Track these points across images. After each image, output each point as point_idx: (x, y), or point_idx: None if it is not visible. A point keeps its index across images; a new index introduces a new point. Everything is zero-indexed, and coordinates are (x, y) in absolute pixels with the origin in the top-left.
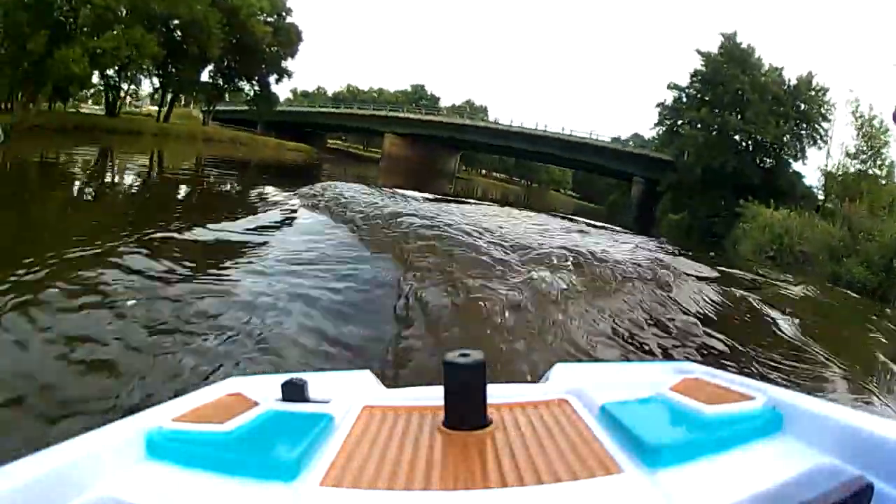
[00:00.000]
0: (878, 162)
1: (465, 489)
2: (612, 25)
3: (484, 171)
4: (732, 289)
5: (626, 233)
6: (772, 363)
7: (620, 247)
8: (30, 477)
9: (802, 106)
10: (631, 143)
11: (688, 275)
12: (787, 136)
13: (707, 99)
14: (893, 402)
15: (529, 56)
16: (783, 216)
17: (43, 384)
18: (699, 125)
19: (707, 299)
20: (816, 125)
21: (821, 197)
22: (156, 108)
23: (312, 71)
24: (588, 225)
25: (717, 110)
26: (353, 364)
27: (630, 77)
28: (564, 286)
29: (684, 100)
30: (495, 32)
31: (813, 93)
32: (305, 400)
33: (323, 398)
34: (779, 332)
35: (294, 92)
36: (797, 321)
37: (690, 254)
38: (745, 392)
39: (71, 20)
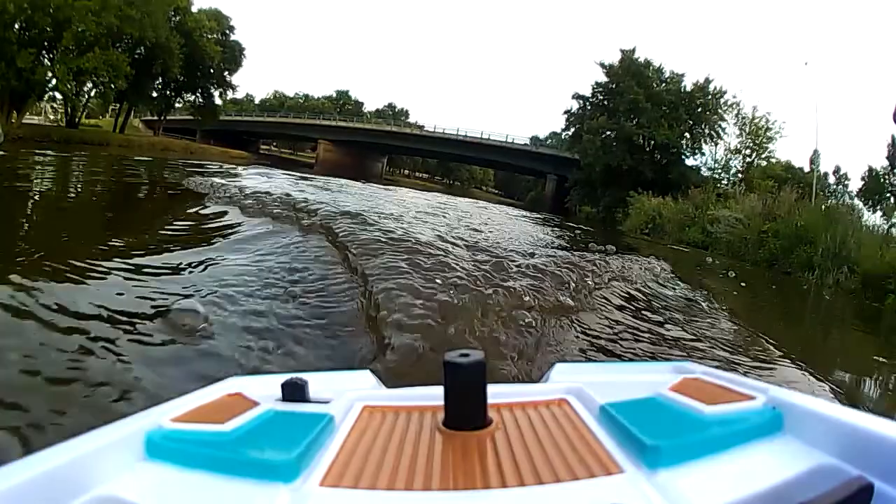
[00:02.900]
0: (764, 154)
1: (465, 489)
2: (533, 30)
3: (407, 172)
4: (594, 243)
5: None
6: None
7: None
8: (28, 477)
9: (699, 109)
10: (549, 140)
11: (572, 236)
12: (685, 136)
13: (607, 106)
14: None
15: (448, 59)
16: (657, 203)
17: None
18: (599, 131)
19: (565, 239)
20: (712, 124)
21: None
22: (109, 118)
23: (239, 78)
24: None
25: (615, 117)
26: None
27: (550, 77)
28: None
29: (588, 108)
30: (415, 36)
31: (709, 96)
32: (305, 400)
33: (323, 398)
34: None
35: (224, 100)
36: (633, 255)
37: (582, 227)
38: (745, 392)
39: (55, 41)
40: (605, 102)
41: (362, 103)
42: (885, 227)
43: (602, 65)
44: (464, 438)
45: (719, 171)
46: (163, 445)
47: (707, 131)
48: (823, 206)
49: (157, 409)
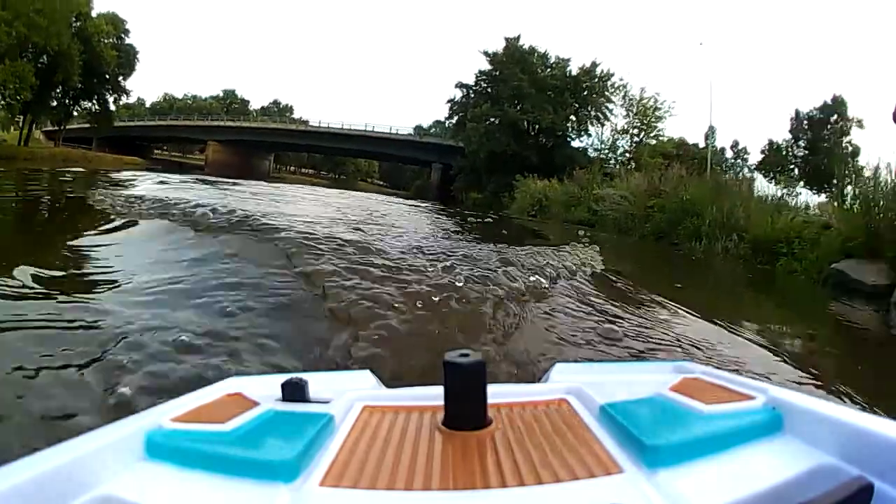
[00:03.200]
0: (653, 133)
1: (465, 489)
2: (416, 22)
3: (293, 168)
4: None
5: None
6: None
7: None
8: (28, 477)
9: (584, 92)
10: (433, 130)
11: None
12: (570, 119)
13: (490, 94)
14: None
15: (332, 52)
16: (543, 186)
17: None
18: (483, 118)
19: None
20: (598, 107)
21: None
22: (14, 132)
23: (131, 82)
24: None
25: (499, 104)
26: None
27: (435, 67)
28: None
29: (471, 96)
30: (298, 30)
31: (596, 80)
32: (305, 400)
33: (323, 398)
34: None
35: (118, 106)
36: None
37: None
38: (744, 392)
39: None
40: (489, 90)
41: (248, 101)
42: (778, 196)
43: (486, 53)
44: (464, 438)
45: (606, 151)
46: (163, 445)
47: (593, 113)
48: (712, 180)
49: (158, 408)
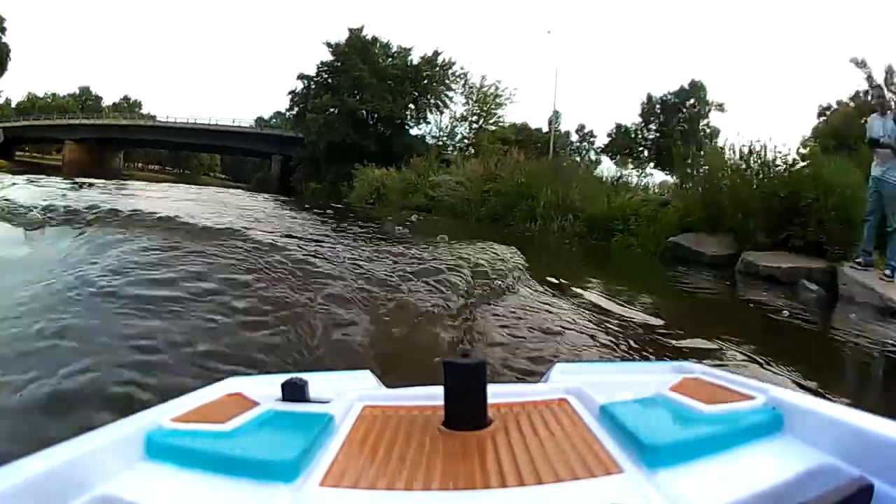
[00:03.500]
0: (492, 120)
1: (465, 489)
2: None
3: (140, 165)
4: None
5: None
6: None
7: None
8: (28, 477)
9: (425, 81)
10: (274, 121)
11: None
12: (409, 108)
13: (331, 85)
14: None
15: (179, 44)
16: (381, 174)
17: None
18: (323, 108)
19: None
20: (438, 95)
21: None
22: None
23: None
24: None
25: (339, 94)
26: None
27: (278, 58)
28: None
29: (312, 87)
30: (146, 22)
31: (437, 68)
32: (305, 400)
33: (323, 398)
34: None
35: None
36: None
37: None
38: (744, 392)
39: None
40: (330, 81)
41: (101, 98)
42: (617, 176)
43: (329, 44)
44: (464, 438)
45: (444, 138)
46: (163, 445)
47: (433, 101)
48: (548, 163)
49: (158, 408)
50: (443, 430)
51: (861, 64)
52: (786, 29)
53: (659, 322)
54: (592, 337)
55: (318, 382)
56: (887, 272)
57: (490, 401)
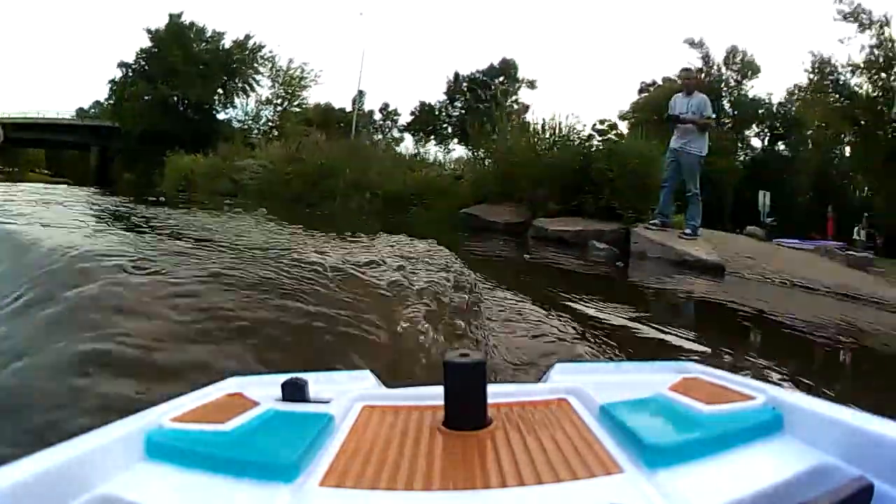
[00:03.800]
0: (296, 102)
1: (465, 489)
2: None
3: None
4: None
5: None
6: None
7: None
8: (28, 477)
9: (234, 64)
10: (93, 111)
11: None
12: (217, 92)
13: (148, 72)
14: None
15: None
16: (190, 160)
17: None
18: (139, 97)
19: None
20: (246, 78)
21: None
22: None
23: None
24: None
25: (154, 82)
26: None
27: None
28: None
29: (130, 74)
30: None
31: (247, 52)
32: (305, 400)
33: (323, 398)
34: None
35: None
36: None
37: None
38: (744, 392)
39: None
40: (147, 68)
41: None
42: (414, 153)
43: (148, 30)
44: (464, 438)
45: (249, 122)
46: (163, 445)
47: (241, 85)
48: (347, 143)
49: (157, 408)
50: (443, 430)
51: (696, 44)
52: (616, 9)
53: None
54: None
55: (318, 382)
56: (687, 231)
57: (490, 401)
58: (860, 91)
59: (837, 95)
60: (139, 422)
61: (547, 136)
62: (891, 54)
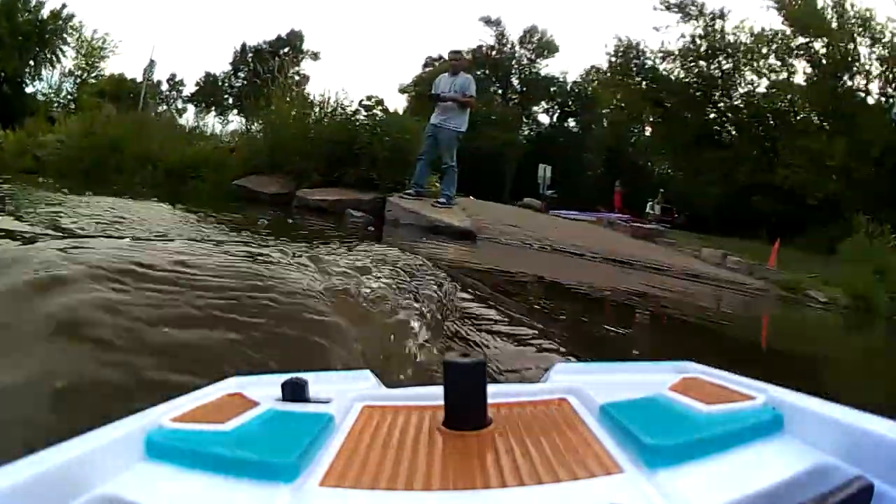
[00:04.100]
0: (94, 73)
1: (465, 489)
2: None
3: None
4: None
5: None
6: None
7: None
8: (28, 477)
9: (47, 35)
10: None
11: None
12: (30, 65)
13: None
14: None
15: None
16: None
17: None
18: None
19: None
20: (54, 48)
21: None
22: None
23: None
24: None
25: None
26: None
27: None
28: None
29: None
30: None
31: (60, 21)
32: (305, 400)
33: (323, 398)
34: None
35: None
36: None
37: None
38: (745, 392)
39: None
40: None
41: None
42: (194, 125)
43: None
44: (464, 438)
45: (52, 95)
46: (163, 445)
47: (49, 56)
48: (133, 116)
49: (157, 408)
50: (442, 430)
51: (493, 22)
52: None
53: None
54: None
55: (318, 382)
56: (441, 200)
57: (490, 401)
58: (671, 77)
59: (640, 78)
60: (139, 422)
61: (317, 110)
62: (716, 45)
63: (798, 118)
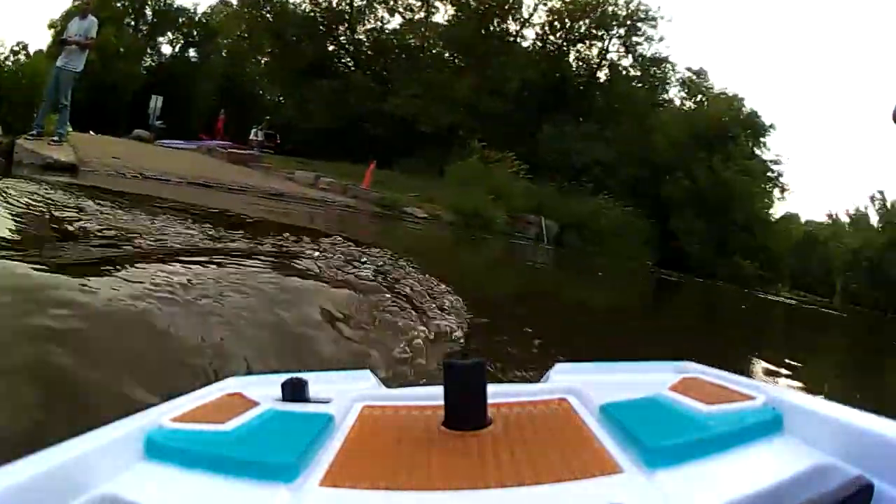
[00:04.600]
0: None
1: (465, 489)
2: None
3: None
4: None
5: None
6: None
7: None
8: (28, 477)
9: None
10: None
11: None
12: None
13: None
14: None
15: None
16: None
17: None
18: None
19: None
20: None
21: None
22: None
23: None
24: None
25: None
26: None
27: None
28: None
29: None
30: None
31: None
32: (305, 400)
33: (323, 398)
34: None
35: None
36: None
37: None
38: (744, 392)
39: None
40: None
41: None
42: None
43: None
44: (464, 438)
45: None
46: (163, 445)
47: None
48: None
49: (157, 408)
50: (442, 430)
51: None
52: None
53: None
54: None
55: (317, 382)
56: (55, 138)
57: (490, 401)
58: (298, 10)
59: (267, 10)
60: (139, 422)
61: None
62: None
63: (428, 54)
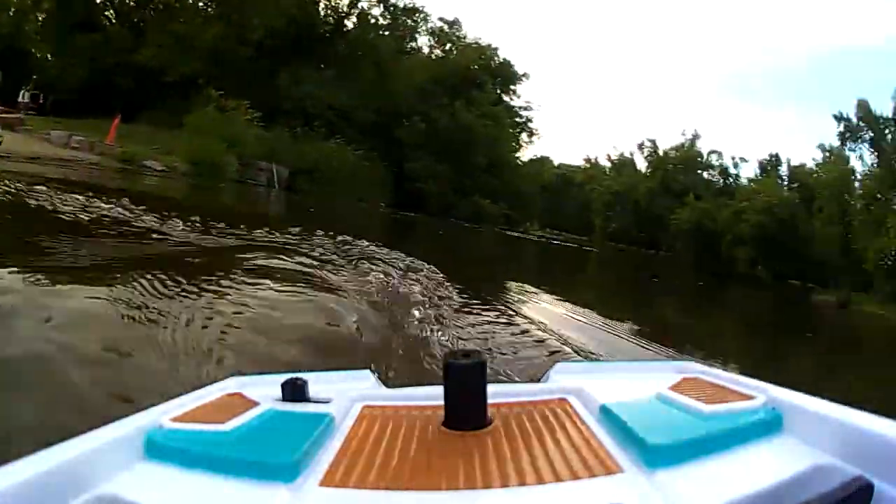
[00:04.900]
0: None
1: (465, 489)
2: None
3: None
4: None
5: None
6: None
7: None
8: (28, 477)
9: None
10: None
11: None
12: None
13: None
14: None
15: None
16: None
17: None
18: None
19: None
20: None
21: None
22: None
23: None
24: None
25: None
26: None
27: None
28: None
29: None
30: None
31: None
32: (305, 400)
33: (323, 398)
34: None
35: None
36: None
37: None
38: (744, 392)
39: None
40: None
41: None
42: None
43: None
44: (464, 438)
45: None
46: (163, 445)
47: None
48: None
49: (157, 408)
50: (443, 429)
51: None
52: None
53: None
54: None
55: (317, 382)
56: None
57: (490, 400)
58: None
59: None
60: (139, 422)
61: None
62: None
63: (178, 3)
